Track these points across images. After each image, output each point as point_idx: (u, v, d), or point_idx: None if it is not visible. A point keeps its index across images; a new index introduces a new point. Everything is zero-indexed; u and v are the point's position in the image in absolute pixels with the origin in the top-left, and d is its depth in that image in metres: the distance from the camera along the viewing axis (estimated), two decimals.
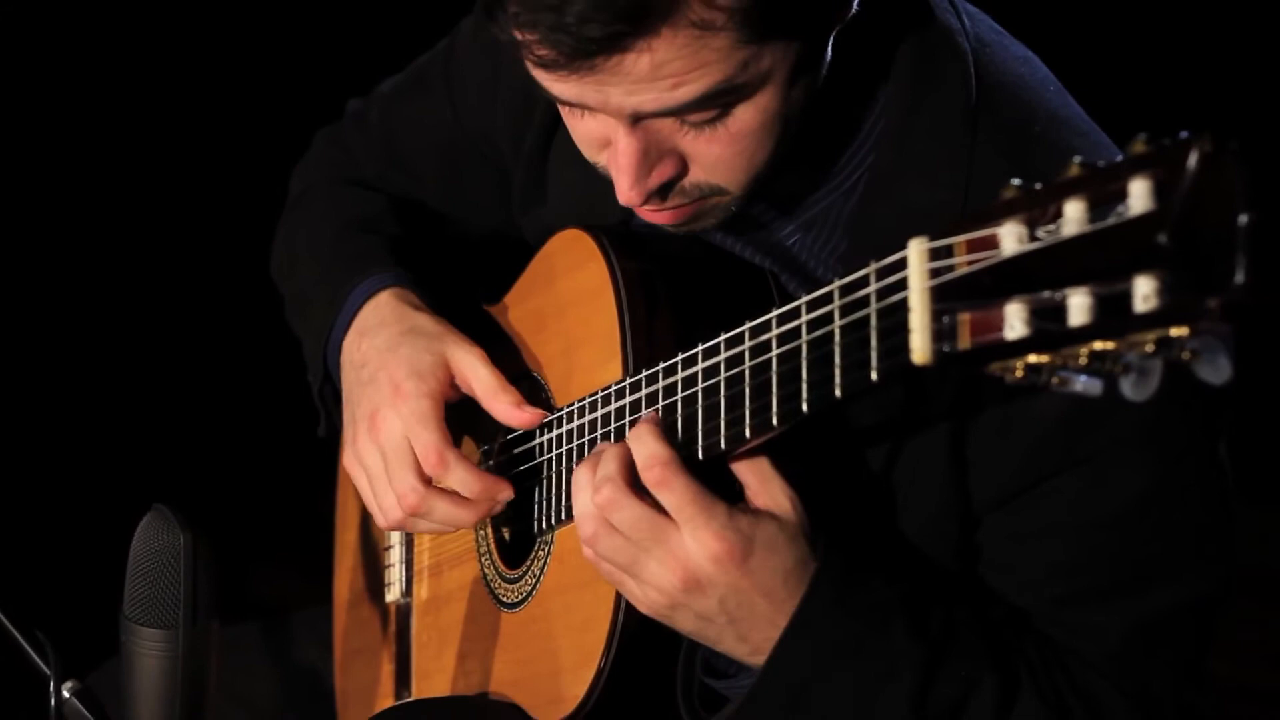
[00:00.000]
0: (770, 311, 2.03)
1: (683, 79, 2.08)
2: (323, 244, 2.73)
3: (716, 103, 2.12)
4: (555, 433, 2.39)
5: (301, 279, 2.74)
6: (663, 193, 2.22)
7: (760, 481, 2.14)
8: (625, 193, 2.20)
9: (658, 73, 2.08)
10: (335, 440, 2.67)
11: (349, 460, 2.51)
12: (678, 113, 2.13)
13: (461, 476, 2.41)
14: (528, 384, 2.51)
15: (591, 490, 2.15)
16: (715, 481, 2.13)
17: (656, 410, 2.18)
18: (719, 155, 2.18)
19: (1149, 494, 2.17)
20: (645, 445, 2.13)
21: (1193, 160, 1.59)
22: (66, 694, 2.28)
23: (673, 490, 2.11)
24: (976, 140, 2.19)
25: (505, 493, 2.43)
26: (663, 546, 2.12)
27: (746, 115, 2.14)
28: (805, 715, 2.17)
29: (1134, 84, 4.36)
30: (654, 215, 2.26)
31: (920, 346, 1.78)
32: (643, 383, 2.21)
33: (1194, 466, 2.20)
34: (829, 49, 2.17)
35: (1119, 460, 2.15)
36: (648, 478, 2.12)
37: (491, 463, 2.56)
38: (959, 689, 2.15)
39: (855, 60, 2.23)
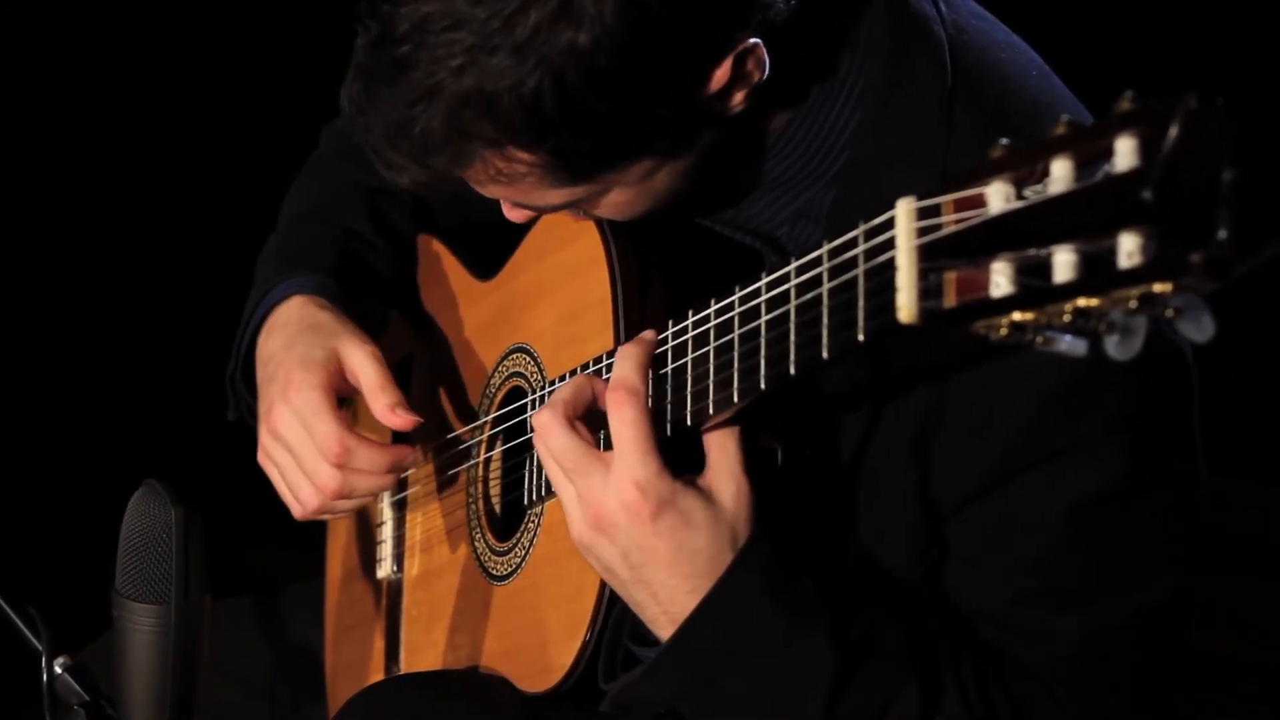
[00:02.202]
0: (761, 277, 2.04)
1: (513, 197, 2.22)
2: (280, 230, 2.78)
3: (568, 209, 2.23)
4: None
5: (261, 260, 2.78)
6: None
7: (720, 462, 2.14)
8: (507, 213, 2.32)
9: (487, 190, 2.20)
10: (244, 421, 2.71)
11: (260, 457, 2.55)
12: (536, 211, 2.27)
13: (367, 457, 2.46)
14: (519, 357, 2.52)
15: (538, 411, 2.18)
16: (691, 457, 2.14)
17: (657, 333, 2.18)
18: (608, 213, 2.27)
19: (1116, 488, 2.15)
20: (624, 366, 2.13)
21: (1178, 117, 1.59)
22: (59, 669, 2.28)
23: (625, 420, 2.10)
24: (954, 127, 2.18)
25: (411, 456, 2.50)
26: (584, 480, 2.13)
27: (604, 201, 2.22)
28: (707, 699, 2.14)
29: (1124, 69, 4.36)
30: None
31: (906, 305, 1.78)
32: None
33: (1163, 462, 2.18)
34: (694, 141, 2.17)
35: (1089, 454, 2.13)
36: (611, 397, 2.11)
37: (483, 436, 2.56)
38: (876, 697, 2.13)
39: (831, 54, 2.23)
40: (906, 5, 2.25)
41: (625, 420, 2.10)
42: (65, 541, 3.71)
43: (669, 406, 2.14)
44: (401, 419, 2.46)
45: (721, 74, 2.11)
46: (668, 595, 2.13)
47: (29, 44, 4.32)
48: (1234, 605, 4.29)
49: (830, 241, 1.92)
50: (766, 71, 2.13)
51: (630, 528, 2.10)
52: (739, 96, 2.15)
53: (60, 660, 2.28)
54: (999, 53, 2.27)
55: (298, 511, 2.52)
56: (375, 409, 2.48)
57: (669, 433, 2.14)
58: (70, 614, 2.36)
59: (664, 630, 2.15)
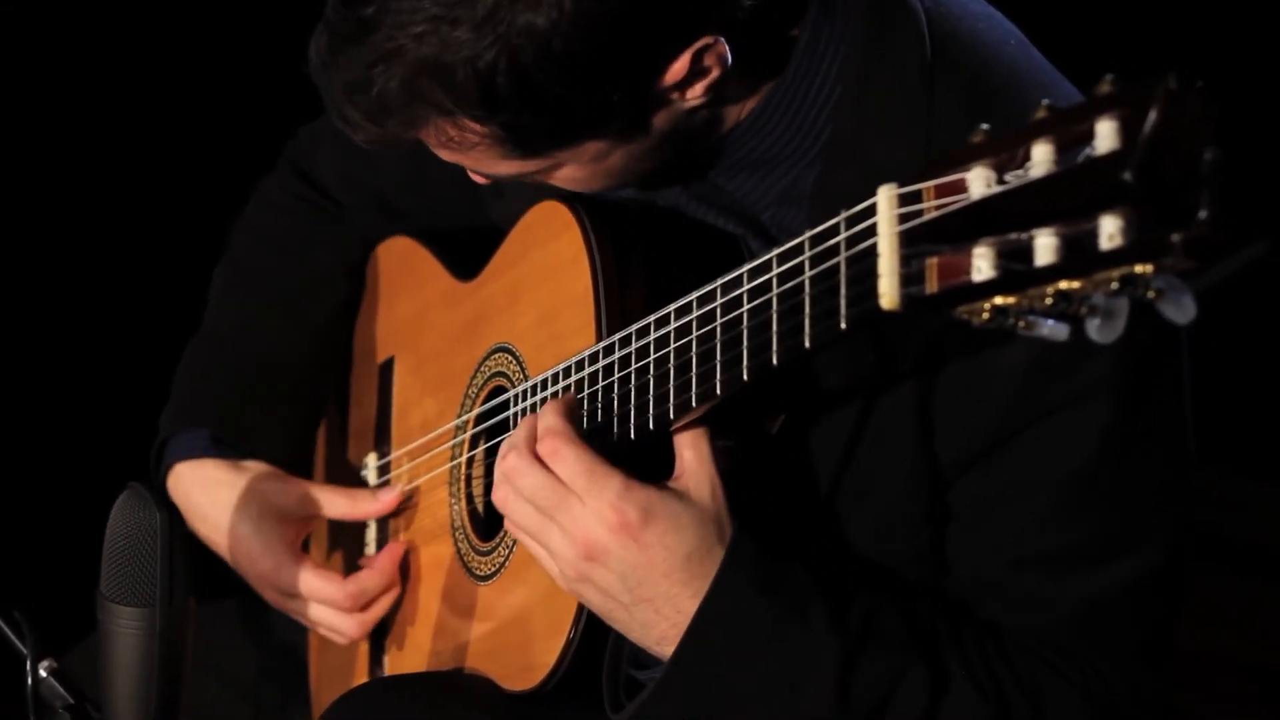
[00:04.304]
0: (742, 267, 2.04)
1: (467, 164, 2.27)
2: (221, 274, 2.89)
3: (524, 179, 2.29)
4: (528, 402, 2.39)
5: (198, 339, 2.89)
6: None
7: (692, 462, 2.14)
8: (471, 175, 2.34)
9: (440, 153, 2.25)
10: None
11: (285, 610, 2.75)
12: (491, 179, 2.32)
13: (376, 583, 2.67)
14: (501, 357, 2.52)
15: (500, 457, 2.19)
16: (661, 461, 2.15)
17: (573, 393, 2.25)
18: (571, 184, 2.30)
19: (1112, 446, 2.16)
20: (544, 419, 2.16)
21: (1158, 98, 1.59)
22: (43, 673, 2.27)
23: (564, 460, 2.13)
24: (934, 98, 2.19)
25: (385, 504, 2.71)
26: (565, 514, 2.13)
27: (560, 175, 2.27)
28: (719, 704, 2.14)
29: (1107, 40, 4.38)
30: None
31: (888, 291, 1.78)
32: (615, 346, 2.21)
33: (1156, 419, 2.19)
34: (651, 124, 2.20)
35: (1082, 413, 2.14)
36: (541, 449, 2.15)
37: (465, 435, 2.56)
38: (884, 680, 2.13)
39: (809, 32, 2.23)
40: None
41: (566, 460, 2.13)
42: (50, 545, 3.69)
43: (652, 399, 2.14)
44: (389, 501, 2.70)
45: (679, 67, 2.14)
46: (672, 606, 2.13)
47: (29, 44, 4.31)
48: (1233, 606, 4.29)
49: (812, 229, 1.92)
50: (728, 65, 2.15)
51: (621, 549, 2.11)
52: (698, 89, 2.17)
53: (45, 663, 2.27)
54: (976, 23, 2.29)
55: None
56: (370, 514, 2.72)
57: (633, 437, 2.16)
58: (55, 617, 2.34)
59: (673, 645, 2.14)
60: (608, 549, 2.11)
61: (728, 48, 2.14)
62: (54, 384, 4.28)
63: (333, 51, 2.16)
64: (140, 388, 2.99)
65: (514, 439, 2.18)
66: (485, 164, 2.25)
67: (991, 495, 2.19)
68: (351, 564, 2.79)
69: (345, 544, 2.84)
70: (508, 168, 2.24)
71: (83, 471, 3.68)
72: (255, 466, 2.72)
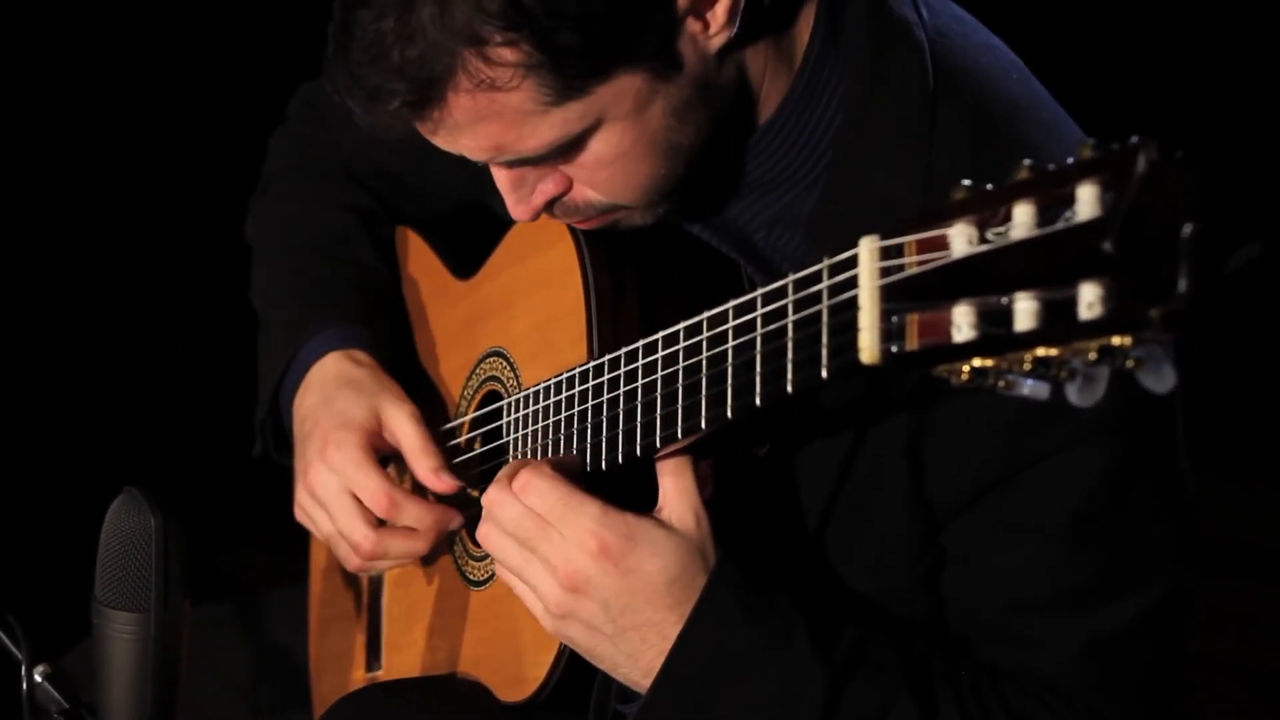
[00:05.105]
0: (728, 302, 2.03)
1: (503, 136, 2.12)
2: (287, 265, 2.76)
3: (556, 152, 2.15)
4: (521, 413, 2.39)
5: (265, 292, 2.77)
6: (556, 207, 2.24)
7: (675, 492, 2.13)
8: (512, 210, 2.24)
9: (476, 130, 2.12)
10: (269, 458, 2.73)
11: (297, 513, 2.56)
12: (518, 163, 2.17)
13: (415, 513, 2.46)
14: (495, 361, 2.51)
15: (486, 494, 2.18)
16: (645, 491, 2.15)
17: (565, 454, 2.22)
18: (594, 178, 2.20)
19: (1109, 488, 2.15)
20: (510, 468, 2.16)
21: (1140, 167, 1.57)
22: (38, 677, 2.28)
23: (537, 492, 2.12)
24: (935, 129, 2.18)
25: (455, 520, 2.48)
26: (546, 544, 2.13)
27: (600, 147, 2.15)
28: None
29: (1110, 75, 4.34)
30: (571, 223, 2.29)
31: (868, 346, 1.77)
32: (605, 368, 2.20)
33: (1153, 458, 2.18)
34: (682, 58, 2.14)
35: (1079, 456, 2.13)
36: (515, 485, 2.14)
37: (459, 441, 2.56)
38: (871, 710, 2.12)
39: (814, 58, 2.23)
40: (888, 10, 2.24)
41: (539, 490, 2.13)
42: (44, 549, 3.70)
43: (639, 428, 2.13)
44: (445, 483, 2.47)
45: None
46: (657, 633, 2.12)
47: (29, 44, 4.30)
48: (1231, 609, 4.29)
49: (795, 273, 1.91)
50: None
51: (603, 574, 2.10)
52: (719, 14, 2.12)
53: (40, 668, 2.28)
54: (979, 56, 2.27)
55: (347, 567, 2.55)
56: (418, 472, 2.49)
57: (620, 462, 2.15)
58: (50, 621, 2.36)
59: (649, 678, 2.14)
60: (589, 577, 2.11)
61: None
62: (50, 388, 4.28)
63: (346, 26, 2.08)
64: (137, 392, 2.99)
65: (497, 476, 2.18)
66: (523, 127, 2.12)
67: (988, 539, 2.19)
68: None
69: None
70: (547, 129, 2.11)
71: (78, 475, 3.69)
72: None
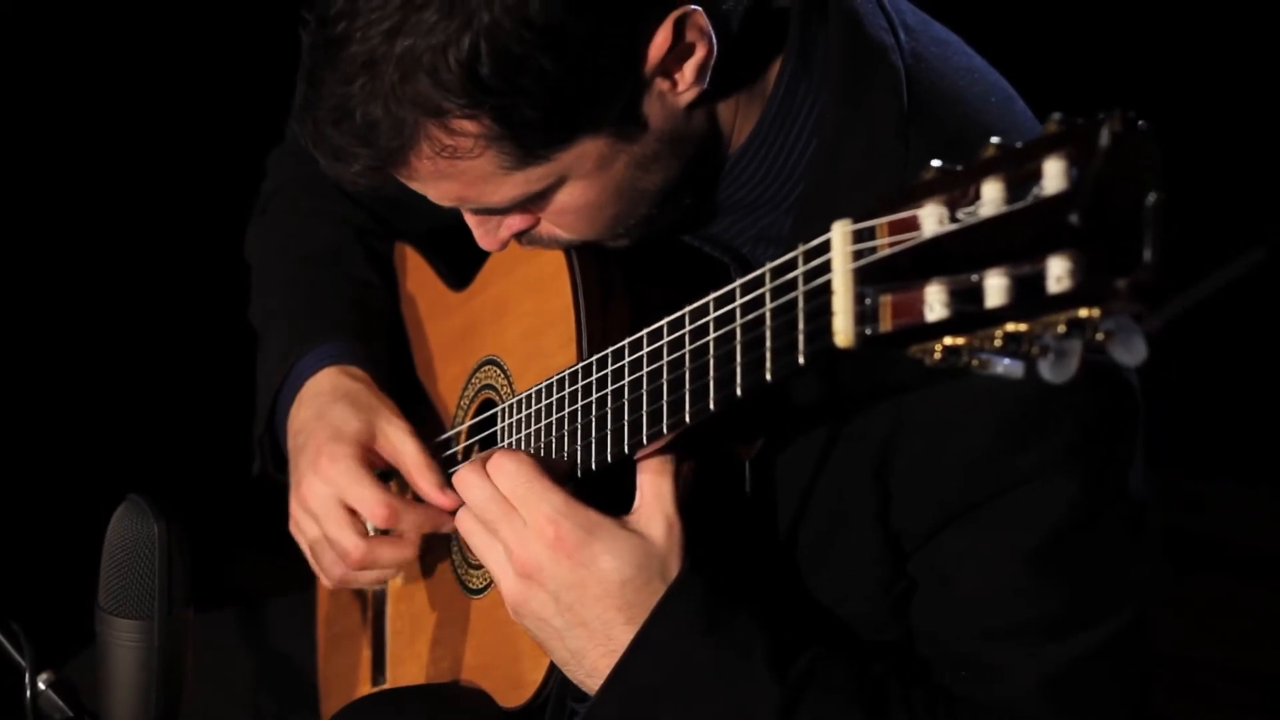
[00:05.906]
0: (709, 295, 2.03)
1: (465, 192, 2.15)
2: (283, 281, 2.76)
3: (519, 206, 2.18)
4: (515, 417, 2.40)
5: (263, 304, 2.78)
6: (523, 239, 2.26)
7: (651, 498, 2.13)
8: (479, 241, 2.27)
9: (439, 186, 2.15)
10: (268, 475, 2.74)
11: (291, 527, 2.57)
12: (483, 211, 2.21)
13: (415, 520, 2.47)
14: (490, 369, 2.52)
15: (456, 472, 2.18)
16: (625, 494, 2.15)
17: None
18: (559, 221, 2.23)
19: (1078, 516, 2.13)
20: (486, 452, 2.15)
21: (1104, 139, 1.58)
22: (42, 685, 2.29)
23: (505, 473, 2.12)
24: (910, 153, 2.16)
25: (449, 523, 2.46)
26: (507, 528, 2.13)
27: (564, 199, 2.18)
28: None
29: (1095, 88, 4.33)
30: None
31: (843, 329, 1.77)
32: (593, 368, 2.21)
33: (1119, 482, 2.16)
34: (647, 118, 2.14)
35: (1048, 485, 2.11)
36: (489, 466, 2.14)
37: (455, 450, 2.57)
38: None
39: (786, 83, 2.22)
40: (864, 34, 2.22)
41: (508, 473, 2.13)
42: (48, 557, 3.71)
43: (626, 426, 2.13)
44: (449, 499, 2.46)
45: (662, 39, 2.09)
46: (604, 631, 2.12)
47: (28, 44, 4.34)
48: (1229, 612, 4.25)
49: (773, 261, 1.91)
50: (713, 45, 2.11)
51: (554, 564, 2.10)
52: (687, 73, 2.12)
53: (43, 676, 2.29)
54: (957, 80, 2.25)
55: (326, 581, 2.56)
56: (421, 488, 2.49)
57: (610, 461, 2.15)
58: (53, 629, 2.37)
59: (604, 675, 2.13)
60: (542, 566, 2.11)
61: (708, 21, 2.10)
62: (53, 395, 4.30)
63: (313, 85, 2.10)
64: (141, 400, 3.00)
65: (472, 458, 2.17)
66: (487, 186, 2.15)
67: (956, 567, 2.17)
68: None
69: None
70: (509, 186, 2.14)
71: (82, 483, 3.70)
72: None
